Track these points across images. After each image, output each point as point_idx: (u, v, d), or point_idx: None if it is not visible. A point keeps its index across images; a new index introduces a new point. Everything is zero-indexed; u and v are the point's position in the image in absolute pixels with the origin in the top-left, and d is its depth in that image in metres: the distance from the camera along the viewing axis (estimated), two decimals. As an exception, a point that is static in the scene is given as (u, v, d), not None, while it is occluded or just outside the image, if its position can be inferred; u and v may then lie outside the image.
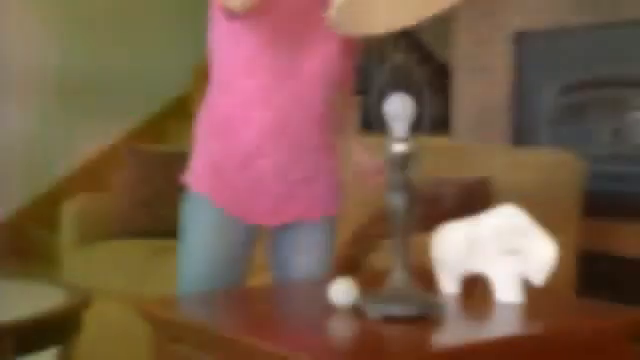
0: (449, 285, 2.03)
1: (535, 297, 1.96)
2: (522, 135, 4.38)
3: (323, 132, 2.31)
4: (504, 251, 1.93)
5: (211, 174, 2.26)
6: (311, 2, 2.21)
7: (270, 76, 2.19)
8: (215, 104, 2.26)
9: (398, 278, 1.85)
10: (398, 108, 1.87)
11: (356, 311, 1.85)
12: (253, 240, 2.34)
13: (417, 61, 7.42)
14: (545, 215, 2.60)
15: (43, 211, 6.41)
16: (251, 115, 2.21)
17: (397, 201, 1.85)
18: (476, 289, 2.07)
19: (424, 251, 2.05)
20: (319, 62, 2.24)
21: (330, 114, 2.32)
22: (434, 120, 6.77)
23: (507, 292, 1.94)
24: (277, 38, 2.18)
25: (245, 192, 2.26)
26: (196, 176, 2.30)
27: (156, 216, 4.02)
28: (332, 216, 2.39)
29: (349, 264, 2.81)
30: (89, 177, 6.69)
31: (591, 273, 3.38)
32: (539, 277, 1.90)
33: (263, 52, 2.18)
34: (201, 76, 5.93)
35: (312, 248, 2.36)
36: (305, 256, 2.36)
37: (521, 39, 4.38)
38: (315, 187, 2.33)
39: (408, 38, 7.48)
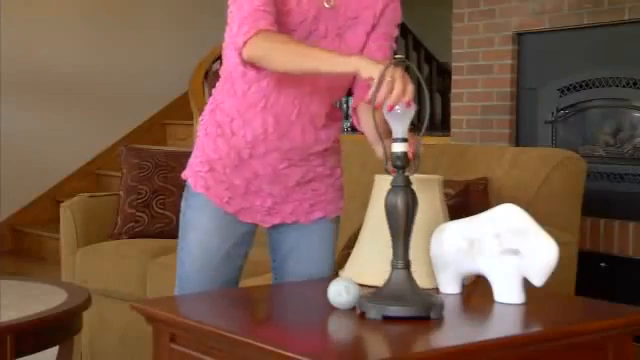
0: (449, 285, 2.03)
1: (535, 297, 1.96)
2: (522, 135, 4.38)
3: (324, 138, 2.29)
4: (504, 251, 1.92)
5: (207, 171, 2.27)
6: (317, 14, 2.18)
7: (274, 81, 2.18)
8: (220, 104, 2.26)
9: (398, 278, 1.85)
10: (398, 108, 1.87)
11: (356, 311, 1.85)
12: (250, 240, 2.34)
13: (417, 61, 7.43)
14: (545, 215, 2.60)
15: (43, 211, 6.41)
16: (252, 118, 2.21)
17: (397, 201, 1.85)
18: (476, 289, 2.07)
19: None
20: None
21: (333, 120, 2.31)
22: (434, 120, 6.77)
23: (507, 292, 1.94)
24: None
25: (240, 190, 2.26)
26: (193, 173, 2.30)
27: (156, 216, 4.02)
28: (333, 217, 2.38)
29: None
30: (89, 177, 6.69)
31: (591, 273, 3.37)
32: (539, 277, 1.90)
33: None
34: (201, 76, 5.92)
35: (310, 249, 2.35)
36: (303, 257, 2.35)
37: (521, 39, 4.38)
38: (314, 190, 2.32)
39: (409, 38, 7.48)
